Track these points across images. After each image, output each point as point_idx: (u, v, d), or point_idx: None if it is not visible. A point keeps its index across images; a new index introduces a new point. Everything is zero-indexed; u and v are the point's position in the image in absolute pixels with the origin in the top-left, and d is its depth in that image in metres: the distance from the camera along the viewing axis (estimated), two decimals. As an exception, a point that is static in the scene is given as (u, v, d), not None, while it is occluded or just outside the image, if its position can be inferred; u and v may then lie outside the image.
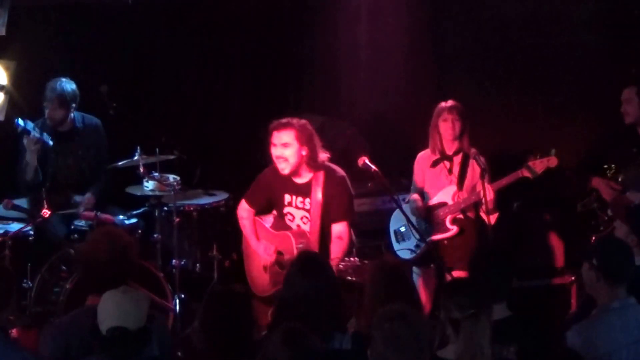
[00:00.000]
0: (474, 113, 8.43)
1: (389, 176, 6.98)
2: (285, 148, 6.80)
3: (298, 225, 6.97)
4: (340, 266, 6.53)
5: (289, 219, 6.99)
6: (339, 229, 6.85)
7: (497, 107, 8.73)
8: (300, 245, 6.77)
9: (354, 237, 6.99)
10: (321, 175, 6.87)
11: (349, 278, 6.39)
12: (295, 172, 6.87)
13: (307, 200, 6.90)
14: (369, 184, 8.03)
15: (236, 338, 4.66)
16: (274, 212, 7.10)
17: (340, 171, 6.96)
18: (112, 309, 4.53)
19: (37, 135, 7.47)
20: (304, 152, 6.80)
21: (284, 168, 6.84)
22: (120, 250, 5.12)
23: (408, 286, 5.40)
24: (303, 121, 6.90)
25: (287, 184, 6.94)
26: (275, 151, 6.85)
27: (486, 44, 8.78)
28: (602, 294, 5.10)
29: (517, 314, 5.15)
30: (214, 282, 7.73)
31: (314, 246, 6.81)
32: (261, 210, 7.10)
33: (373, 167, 6.69)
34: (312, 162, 6.83)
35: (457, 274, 6.87)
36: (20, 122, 7.40)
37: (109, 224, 7.46)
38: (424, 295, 7.31)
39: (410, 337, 4.20)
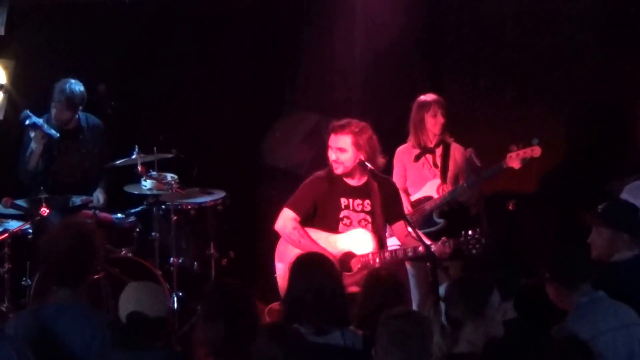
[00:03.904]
0: (469, 112, 8.54)
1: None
2: (342, 153, 6.55)
3: None
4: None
5: (345, 224, 6.67)
6: (401, 227, 6.69)
7: (492, 106, 8.76)
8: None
9: None
10: (372, 177, 6.62)
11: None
12: (349, 174, 6.64)
13: (367, 202, 6.65)
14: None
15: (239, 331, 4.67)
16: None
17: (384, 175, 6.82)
18: (132, 296, 4.64)
19: (45, 130, 7.50)
20: (361, 157, 6.56)
21: (338, 169, 6.59)
22: (80, 239, 5.02)
23: (401, 295, 5.43)
24: (362, 124, 6.61)
25: (342, 187, 6.66)
26: (330, 154, 6.61)
27: (481, 42, 8.80)
28: (570, 300, 5.16)
29: (523, 314, 5.21)
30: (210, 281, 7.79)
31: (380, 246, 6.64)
32: (304, 218, 6.67)
33: (369, 165, 6.63)
34: (364, 168, 6.57)
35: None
36: (29, 114, 7.44)
37: (108, 222, 7.54)
38: (418, 295, 7.31)
39: (415, 335, 4.28)
